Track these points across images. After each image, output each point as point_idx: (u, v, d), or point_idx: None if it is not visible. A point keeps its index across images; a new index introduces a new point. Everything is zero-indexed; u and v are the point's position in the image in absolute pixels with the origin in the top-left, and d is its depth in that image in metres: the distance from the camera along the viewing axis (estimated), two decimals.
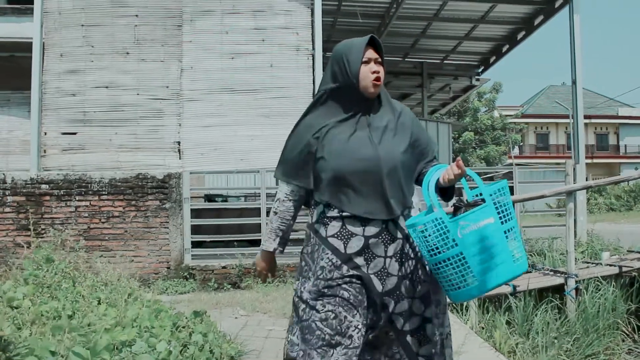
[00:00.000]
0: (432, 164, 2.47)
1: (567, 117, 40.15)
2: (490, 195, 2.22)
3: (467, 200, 2.26)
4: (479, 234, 2.18)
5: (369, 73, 2.31)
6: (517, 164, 41.65)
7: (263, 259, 2.56)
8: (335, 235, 2.32)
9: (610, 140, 51.84)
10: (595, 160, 48.97)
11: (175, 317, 4.60)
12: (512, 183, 10.76)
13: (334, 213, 2.33)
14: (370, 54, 2.34)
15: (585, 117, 47.14)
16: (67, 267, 5.93)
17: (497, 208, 2.21)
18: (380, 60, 2.38)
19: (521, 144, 50.01)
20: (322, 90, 2.43)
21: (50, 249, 6.06)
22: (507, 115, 45.20)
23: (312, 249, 2.39)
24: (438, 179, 2.28)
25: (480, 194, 2.24)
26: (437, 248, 2.24)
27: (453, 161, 2.27)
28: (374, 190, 2.28)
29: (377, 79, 2.33)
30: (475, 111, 42.20)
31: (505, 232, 2.23)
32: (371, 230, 2.29)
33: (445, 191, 2.35)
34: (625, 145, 50.95)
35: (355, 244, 2.29)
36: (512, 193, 10.48)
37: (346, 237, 2.31)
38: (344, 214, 2.30)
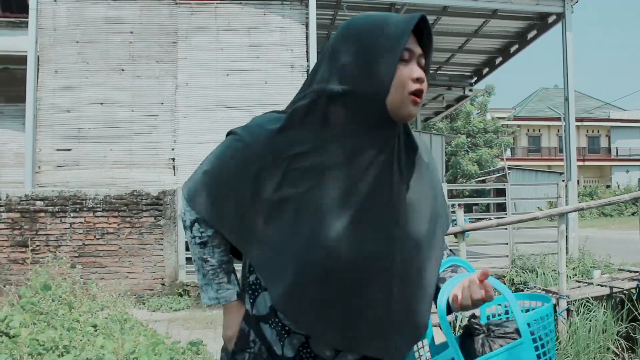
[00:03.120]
0: (448, 263, 1.56)
1: (559, 119, 40.33)
2: (529, 325, 1.44)
3: (485, 323, 1.54)
4: None
5: (408, 81, 1.29)
6: (510, 166, 41.89)
7: (233, 319, 1.51)
8: None
9: (601, 143, 52.20)
10: (586, 163, 49.31)
11: (172, 351, 4.66)
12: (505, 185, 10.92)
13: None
14: (414, 46, 1.33)
15: (578, 119, 47.42)
16: (64, 292, 5.99)
17: (536, 347, 1.44)
18: (424, 61, 1.37)
19: (513, 146, 50.25)
20: (313, 93, 1.36)
21: (47, 275, 6.10)
22: (499, 118, 45.42)
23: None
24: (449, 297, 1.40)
25: (506, 307, 1.65)
26: None
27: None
28: (372, 314, 1.35)
29: (419, 93, 1.32)
30: (468, 114, 42.35)
31: None
32: None
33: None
34: (617, 148, 51.31)
35: None
36: (504, 195, 10.58)
37: None
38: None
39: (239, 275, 1.56)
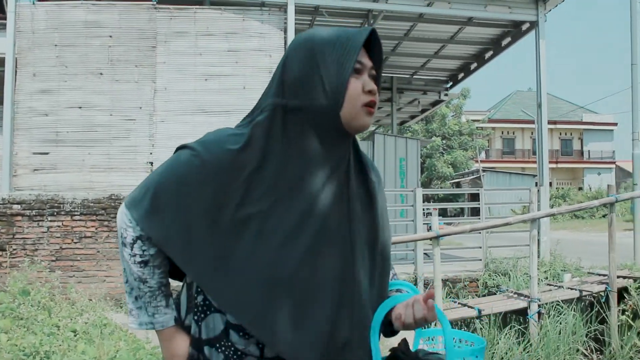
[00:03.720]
0: (393, 286, 1.56)
1: (532, 122, 40.86)
2: None
3: (416, 353, 1.45)
4: None
5: (361, 93, 1.33)
6: (484, 169, 42.27)
7: (177, 345, 1.42)
8: None
9: (574, 146, 52.94)
10: (559, 165, 50.05)
11: (152, 356, 4.73)
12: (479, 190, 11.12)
13: (246, 345, 1.35)
14: (365, 59, 1.37)
15: (551, 122, 48.05)
16: (43, 297, 6.03)
17: None
18: (375, 73, 1.40)
19: (488, 148, 50.73)
20: (269, 108, 1.35)
21: (25, 280, 6.14)
22: (474, 120, 45.81)
23: None
24: (389, 313, 1.40)
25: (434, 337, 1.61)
26: None
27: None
28: (335, 332, 1.34)
29: (372, 104, 1.35)
30: (443, 117, 42.71)
31: None
32: None
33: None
34: (589, 151, 52.08)
35: None
36: (477, 200, 10.78)
37: None
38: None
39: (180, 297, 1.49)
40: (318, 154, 1.33)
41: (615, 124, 52.85)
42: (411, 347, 1.49)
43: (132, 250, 1.36)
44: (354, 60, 1.31)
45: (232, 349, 1.35)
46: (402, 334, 1.48)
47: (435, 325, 1.34)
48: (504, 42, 13.05)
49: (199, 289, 1.39)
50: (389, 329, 1.44)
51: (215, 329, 1.37)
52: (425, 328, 1.55)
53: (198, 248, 1.31)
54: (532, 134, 49.06)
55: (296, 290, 1.30)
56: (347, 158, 1.38)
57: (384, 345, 1.47)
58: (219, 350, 1.36)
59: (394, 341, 1.48)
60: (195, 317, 1.40)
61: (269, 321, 1.29)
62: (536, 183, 11.23)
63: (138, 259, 1.37)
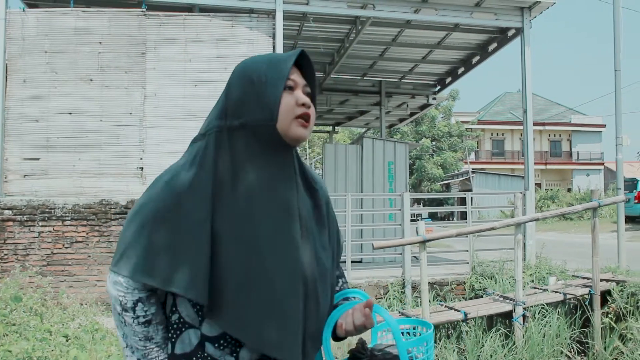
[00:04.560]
0: (342, 295, 1.71)
1: (521, 124, 41.11)
2: (409, 352, 1.56)
3: (372, 350, 1.62)
4: None
5: (294, 106, 1.46)
6: (473, 170, 42.45)
7: None
8: None
9: (563, 147, 53.30)
10: (548, 167, 50.40)
11: None
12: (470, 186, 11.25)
13: (221, 356, 1.45)
14: (297, 77, 1.51)
15: (540, 124, 48.34)
16: (35, 303, 6.11)
17: None
18: (310, 90, 1.55)
19: (477, 150, 50.98)
20: (212, 128, 1.49)
21: (17, 286, 6.21)
22: (463, 122, 46.05)
23: None
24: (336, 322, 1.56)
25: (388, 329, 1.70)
26: None
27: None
28: (291, 324, 1.44)
29: (306, 116, 1.48)
30: (433, 118, 42.91)
31: None
32: None
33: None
34: (578, 152, 52.45)
35: None
36: (465, 204, 10.91)
37: None
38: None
39: None
40: (264, 164, 1.46)
41: (604, 126, 53.25)
42: (369, 343, 1.66)
43: (134, 313, 1.44)
44: (285, 77, 1.45)
45: (208, 359, 1.45)
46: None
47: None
48: (491, 48, 13.21)
49: (174, 308, 1.49)
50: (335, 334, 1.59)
51: (190, 344, 1.47)
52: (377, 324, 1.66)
53: (193, 268, 1.39)
54: (521, 135, 49.28)
55: (270, 291, 1.40)
56: (292, 166, 1.52)
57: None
58: None
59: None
60: (170, 334, 1.50)
61: (253, 325, 1.39)
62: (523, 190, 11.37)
63: (142, 319, 1.45)
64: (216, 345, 1.45)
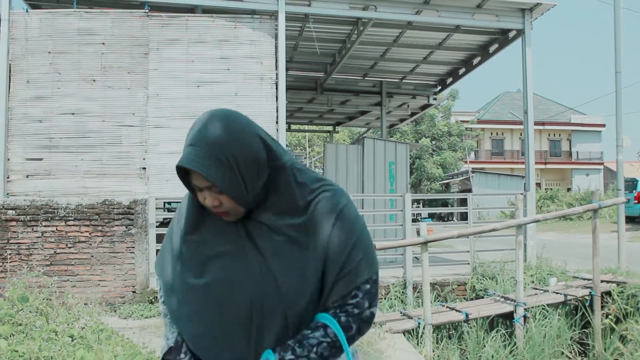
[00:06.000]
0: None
1: (521, 123, 41.14)
2: None
3: None
4: None
5: (205, 202, 1.60)
6: (473, 169, 42.42)
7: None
8: None
9: (562, 147, 53.30)
10: (548, 166, 50.43)
11: None
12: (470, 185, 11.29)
13: None
14: (198, 181, 1.56)
15: (539, 123, 48.26)
16: (40, 303, 6.14)
17: None
18: (217, 189, 1.56)
19: (477, 149, 51.00)
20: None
21: (24, 286, 6.24)
22: (463, 121, 46.05)
23: None
24: None
25: None
26: None
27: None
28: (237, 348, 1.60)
29: (221, 213, 1.60)
30: (432, 118, 42.92)
31: None
32: None
33: None
34: (577, 152, 52.47)
35: None
36: (465, 205, 10.95)
37: None
38: None
39: None
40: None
41: (604, 126, 53.31)
42: None
43: (159, 294, 1.85)
44: (188, 183, 1.62)
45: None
46: None
47: None
48: (492, 49, 13.26)
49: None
50: None
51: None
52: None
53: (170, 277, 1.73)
54: (521, 135, 49.33)
55: (220, 322, 1.59)
56: (238, 233, 1.62)
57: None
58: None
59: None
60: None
61: (204, 346, 1.62)
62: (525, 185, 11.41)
63: (161, 300, 1.84)
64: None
